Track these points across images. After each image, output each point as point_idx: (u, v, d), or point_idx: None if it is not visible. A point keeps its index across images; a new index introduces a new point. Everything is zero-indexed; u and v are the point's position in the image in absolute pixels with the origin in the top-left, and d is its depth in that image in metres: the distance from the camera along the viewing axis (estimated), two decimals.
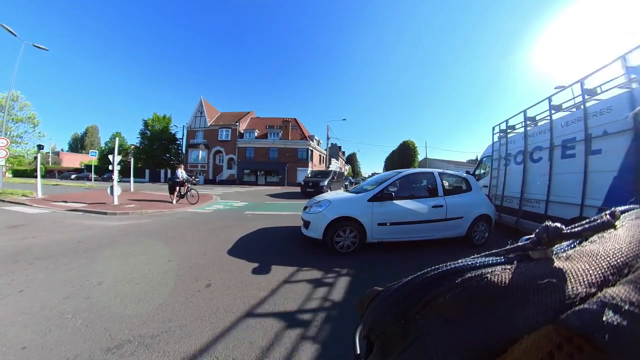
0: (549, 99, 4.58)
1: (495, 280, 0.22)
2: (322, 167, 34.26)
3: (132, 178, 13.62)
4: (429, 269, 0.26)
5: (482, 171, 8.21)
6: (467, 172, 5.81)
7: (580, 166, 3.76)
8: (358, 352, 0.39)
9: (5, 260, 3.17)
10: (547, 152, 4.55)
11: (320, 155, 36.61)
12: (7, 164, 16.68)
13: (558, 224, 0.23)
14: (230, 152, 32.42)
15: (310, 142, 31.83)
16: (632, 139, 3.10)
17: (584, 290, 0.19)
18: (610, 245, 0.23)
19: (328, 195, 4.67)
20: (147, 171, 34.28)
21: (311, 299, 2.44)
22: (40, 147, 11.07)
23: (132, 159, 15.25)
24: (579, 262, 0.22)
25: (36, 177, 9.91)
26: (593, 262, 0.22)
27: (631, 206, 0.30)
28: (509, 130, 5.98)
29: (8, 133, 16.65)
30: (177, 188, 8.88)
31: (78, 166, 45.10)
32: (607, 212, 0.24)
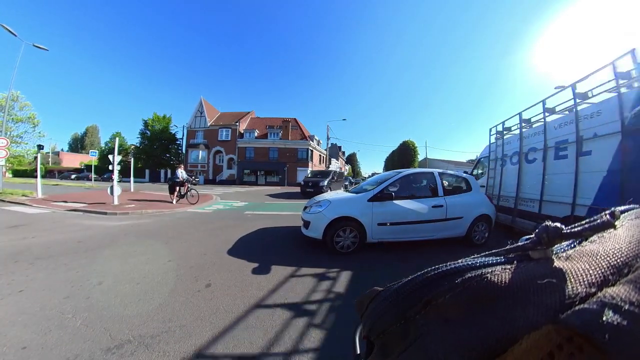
0: (543, 102, 4.65)
1: (496, 280, 0.22)
2: (322, 167, 34.26)
3: (132, 178, 13.64)
4: (429, 269, 0.26)
5: (480, 171, 8.28)
6: (466, 172, 5.83)
7: (572, 167, 3.88)
8: (358, 352, 0.39)
9: (5, 260, 3.17)
10: (541, 153, 4.65)
11: (320, 155, 36.62)
12: (7, 164, 16.68)
13: (558, 224, 0.23)
14: (230, 152, 32.43)
15: (310, 142, 31.84)
16: (619, 142, 3.24)
17: (584, 290, 0.19)
18: (610, 245, 0.23)
19: (328, 195, 4.67)
20: (147, 171, 34.29)
21: (311, 299, 2.44)
22: (40, 147, 11.09)
23: (132, 159, 15.26)
24: (579, 262, 0.22)
25: (36, 177, 9.92)
26: (593, 262, 0.22)
27: (631, 206, 0.30)
28: (505, 132, 6.04)
29: (8, 133, 16.65)
30: (177, 188, 8.88)
31: (78, 166, 45.11)
32: (607, 212, 0.24)
